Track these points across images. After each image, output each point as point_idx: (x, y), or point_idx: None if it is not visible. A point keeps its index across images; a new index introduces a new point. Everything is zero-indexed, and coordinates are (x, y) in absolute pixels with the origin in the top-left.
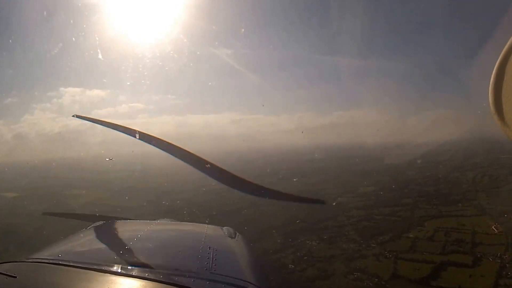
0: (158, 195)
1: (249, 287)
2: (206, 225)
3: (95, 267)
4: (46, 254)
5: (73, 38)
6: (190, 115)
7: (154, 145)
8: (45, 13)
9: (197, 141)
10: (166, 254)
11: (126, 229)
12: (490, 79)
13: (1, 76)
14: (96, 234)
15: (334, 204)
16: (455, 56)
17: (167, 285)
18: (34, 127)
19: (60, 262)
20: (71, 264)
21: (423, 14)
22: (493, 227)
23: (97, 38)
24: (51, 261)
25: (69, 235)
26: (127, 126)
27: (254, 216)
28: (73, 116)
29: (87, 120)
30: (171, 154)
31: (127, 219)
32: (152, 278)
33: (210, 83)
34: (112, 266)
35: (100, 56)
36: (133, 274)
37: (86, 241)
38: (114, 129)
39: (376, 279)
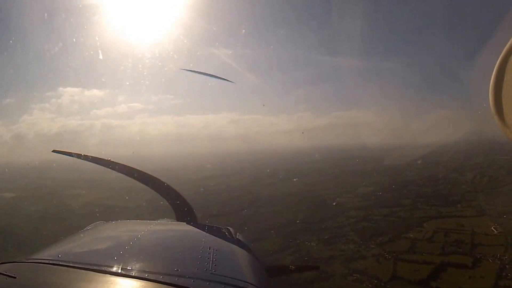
0: (157, 195)
1: (249, 287)
2: (206, 225)
3: (95, 267)
4: (46, 254)
5: (72, 38)
6: (189, 115)
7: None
8: (45, 14)
9: (197, 141)
10: (166, 254)
11: (126, 229)
12: (490, 80)
13: (0, 76)
14: (96, 234)
15: (334, 204)
16: (455, 57)
17: (167, 286)
18: (33, 127)
19: (60, 263)
20: (71, 264)
21: (423, 15)
22: (492, 228)
23: (96, 38)
24: (51, 262)
25: (69, 235)
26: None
27: (254, 217)
28: (52, 151)
29: (65, 154)
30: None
31: (127, 219)
32: (152, 278)
33: (209, 83)
34: (112, 267)
35: (99, 56)
36: (133, 274)
37: (86, 241)
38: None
39: (376, 281)
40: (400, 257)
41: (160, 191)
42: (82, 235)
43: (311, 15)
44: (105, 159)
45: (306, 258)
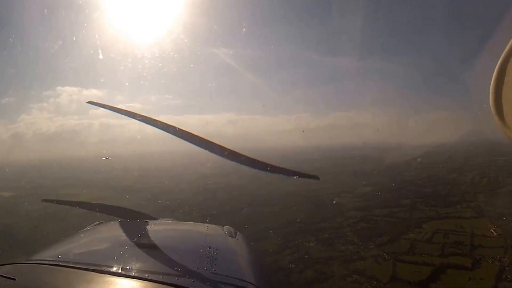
0: (156, 195)
1: (249, 287)
2: (206, 225)
3: (95, 268)
4: (45, 255)
5: (72, 37)
6: (188, 115)
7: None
8: (45, 11)
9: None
10: (166, 254)
11: (126, 229)
12: (490, 80)
13: None
14: (96, 234)
15: (334, 202)
16: (455, 57)
17: (167, 286)
18: (31, 126)
19: (60, 263)
20: (71, 265)
21: (423, 15)
22: (492, 230)
23: (96, 37)
24: (50, 263)
25: (69, 236)
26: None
27: (253, 216)
28: (87, 102)
29: (100, 106)
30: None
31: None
32: (152, 278)
33: (207, 83)
34: (112, 267)
35: (97, 55)
36: (133, 274)
37: (86, 241)
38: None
39: (375, 282)
40: (400, 258)
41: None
42: (82, 235)
43: (311, 15)
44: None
45: (305, 258)
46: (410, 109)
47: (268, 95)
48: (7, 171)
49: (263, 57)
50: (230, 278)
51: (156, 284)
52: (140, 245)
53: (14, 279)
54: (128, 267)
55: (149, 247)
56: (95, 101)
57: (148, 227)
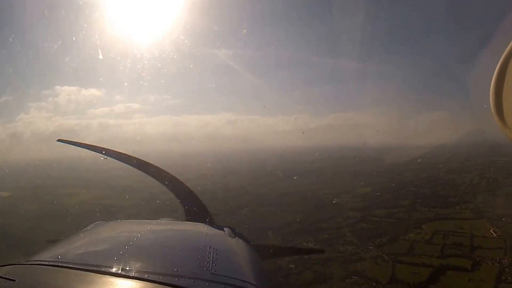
0: (156, 194)
1: (249, 287)
2: (206, 225)
3: (95, 268)
4: (45, 256)
5: (71, 37)
6: (187, 115)
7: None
8: (45, 11)
9: (194, 141)
10: (166, 254)
11: (126, 229)
12: (490, 80)
13: None
14: (96, 234)
15: (333, 202)
16: (455, 58)
17: (167, 286)
18: (30, 126)
19: (59, 264)
20: (71, 266)
21: (423, 15)
22: (491, 231)
23: (96, 37)
24: (50, 263)
25: (68, 236)
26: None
27: (253, 216)
28: (57, 141)
29: (71, 144)
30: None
31: (126, 219)
32: (152, 279)
33: (207, 83)
34: (112, 267)
35: (97, 55)
36: (133, 275)
37: (86, 241)
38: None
39: (374, 283)
40: (399, 259)
41: (175, 190)
42: (81, 235)
43: (310, 16)
44: (119, 152)
45: (305, 258)
46: (410, 110)
47: (267, 96)
48: (6, 171)
49: (262, 58)
50: (230, 278)
51: (156, 284)
52: (140, 245)
53: (14, 280)
54: (128, 268)
55: (149, 247)
56: (65, 139)
57: (148, 227)
